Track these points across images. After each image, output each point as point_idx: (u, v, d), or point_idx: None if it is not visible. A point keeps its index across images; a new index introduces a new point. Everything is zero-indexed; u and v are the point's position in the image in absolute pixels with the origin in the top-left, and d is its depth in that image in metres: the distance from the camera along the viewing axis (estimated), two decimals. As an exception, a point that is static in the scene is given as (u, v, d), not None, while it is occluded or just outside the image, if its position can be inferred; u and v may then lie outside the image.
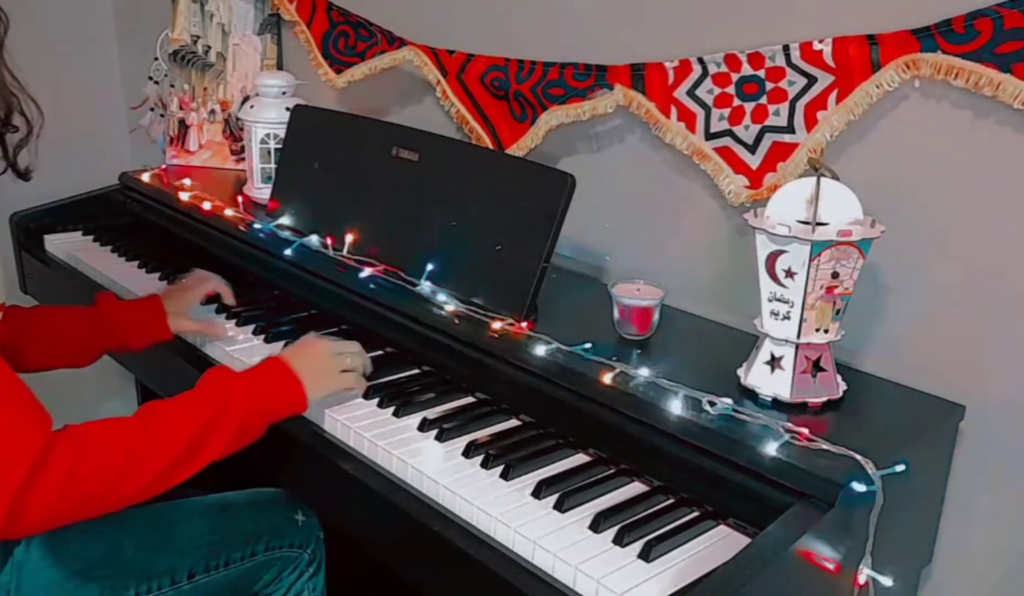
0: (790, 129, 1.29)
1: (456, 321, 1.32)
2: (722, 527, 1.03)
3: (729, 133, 1.35)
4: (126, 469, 1.01)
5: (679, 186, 1.45)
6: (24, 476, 0.93)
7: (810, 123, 1.27)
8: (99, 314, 1.43)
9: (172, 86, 2.28)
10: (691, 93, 1.38)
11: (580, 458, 1.16)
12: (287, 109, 1.76)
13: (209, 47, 2.23)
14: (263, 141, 1.83)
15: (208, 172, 2.18)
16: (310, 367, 1.19)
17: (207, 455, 1.08)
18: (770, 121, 1.31)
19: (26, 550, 1.16)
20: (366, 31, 1.83)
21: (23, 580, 1.15)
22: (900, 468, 0.97)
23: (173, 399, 1.09)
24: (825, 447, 0.99)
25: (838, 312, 1.09)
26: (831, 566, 0.95)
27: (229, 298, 1.54)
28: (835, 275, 1.06)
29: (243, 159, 2.01)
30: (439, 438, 1.18)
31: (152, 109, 2.36)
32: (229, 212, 1.76)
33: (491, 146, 1.63)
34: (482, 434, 1.20)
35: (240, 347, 1.44)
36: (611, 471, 1.13)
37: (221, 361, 1.42)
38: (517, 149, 1.59)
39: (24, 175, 1.22)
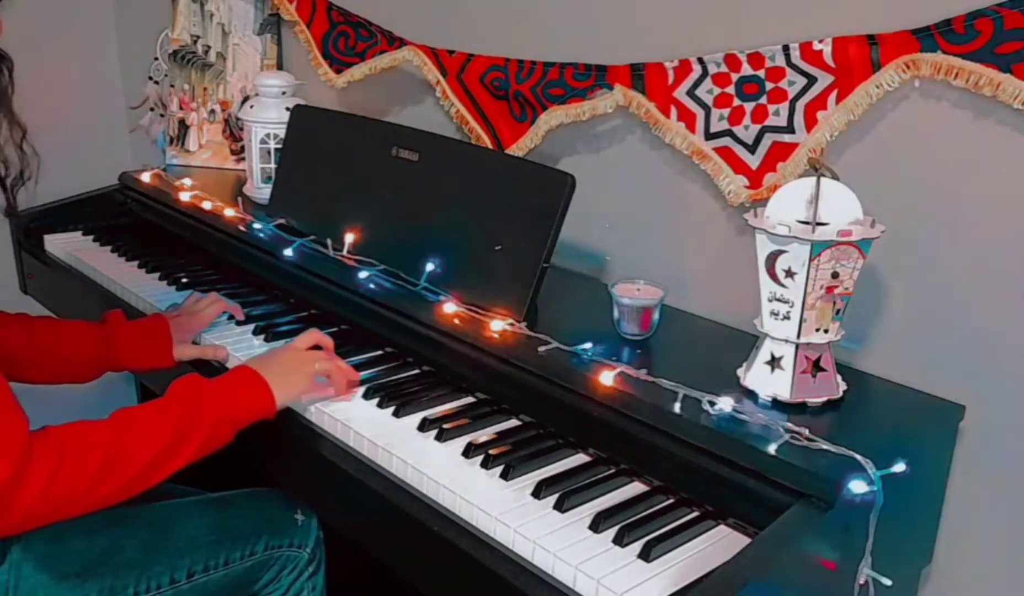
0: (790, 129, 1.29)
1: (456, 321, 1.31)
2: (722, 527, 1.03)
3: (729, 133, 1.35)
4: (103, 472, 1.04)
5: (679, 186, 1.45)
6: (7, 478, 0.96)
7: (810, 123, 1.27)
8: (106, 333, 1.41)
9: (172, 86, 2.28)
10: (691, 93, 1.38)
11: (580, 458, 1.16)
12: (287, 109, 1.76)
13: (209, 47, 2.23)
14: (263, 141, 1.83)
15: (208, 172, 2.18)
16: (278, 373, 1.21)
17: (179, 460, 1.11)
18: (770, 121, 1.31)
19: (25, 549, 1.16)
20: (366, 31, 1.83)
21: (22, 579, 1.15)
22: (900, 468, 0.97)
23: (145, 405, 1.12)
24: (825, 447, 0.99)
25: (838, 312, 1.09)
26: (831, 566, 0.95)
27: (239, 313, 1.52)
28: (835, 275, 1.06)
29: (243, 159, 2.01)
30: (439, 438, 1.18)
31: (152, 109, 2.36)
32: (229, 212, 1.76)
33: (491, 146, 1.63)
34: (482, 434, 1.20)
35: (241, 347, 1.44)
36: (611, 471, 1.13)
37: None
38: (517, 149, 1.59)
39: (16, 214, 1.24)
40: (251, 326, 1.50)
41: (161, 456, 1.08)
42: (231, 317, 1.53)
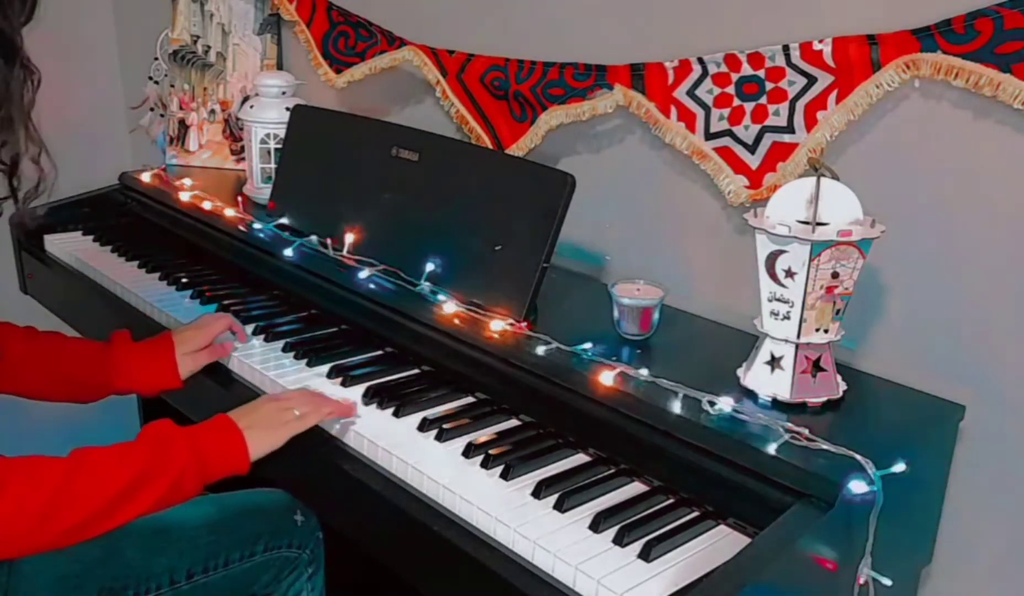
0: (790, 129, 1.29)
1: (456, 321, 1.31)
2: (722, 527, 1.03)
3: (729, 133, 1.35)
4: (49, 512, 0.99)
5: (679, 186, 1.45)
6: None
7: (810, 123, 1.27)
8: (110, 355, 1.38)
9: (172, 86, 2.28)
10: (691, 93, 1.38)
11: (580, 458, 1.16)
12: (287, 109, 1.76)
13: (209, 47, 2.23)
14: (263, 141, 1.83)
15: (208, 172, 2.18)
16: (255, 423, 1.15)
17: (135, 508, 1.05)
18: (770, 121, 1.31)
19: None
20: (366, 31, 1.83)
21: (20, 581, 1.15)
22: (900, 468, 0.97)
23: (108, 447, 1.07)
24: (825, 447, 0.99)
25: (838, 312, 1.09)
26: (831, 566, 0.95)
27: (242, 337, 1.45)
28: (835, 275, 1.06)
29: (243, 159, 2.01)
30: (439, 438, 1.18)
31: (152, 109, 2.36)
32: (229, 212, 1.76)
33: (491, 146, 1.63)
34: (482, 434, 1.20)
35: (240, 348, 1.43)
36: (611, 471, 1.13)
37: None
38: (517, 149, 1.59)
39: (22, 222, 1.22)
40: (251, 326, 1.50)
41: (116, 501, 1.03)
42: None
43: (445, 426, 1.19)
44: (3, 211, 1.18)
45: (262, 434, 1.15)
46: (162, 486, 1.06)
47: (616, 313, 1.29)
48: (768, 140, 1.31)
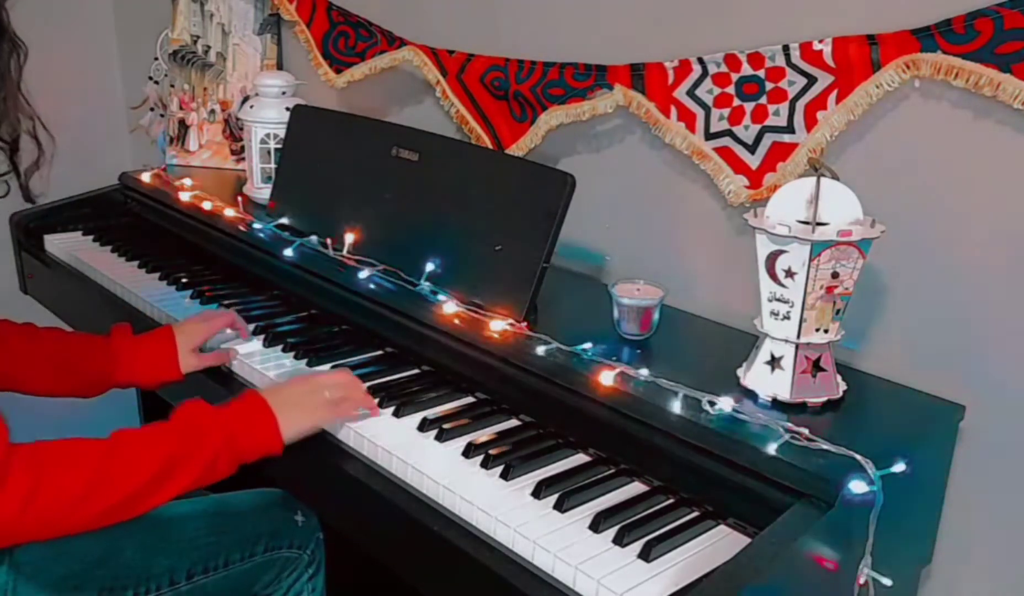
0: (790, 129, 1.29)
1: (456, 321, 1.32)
2: (722, 527, 1.03)
3: (729, 133, 1.35)
4: (87, 493, 1.00)
5: (679, 186, 1.45)
6: None
7: (810, 123, 1.27)
8: (111, 348, 1.38)
9: (172, 86, 2.28)
10: (691, 93, 1.38)
11: (580, 458, 1.16)
12: (287, 109, 1.76)
13: (209, 47, 2.23)
14: (263, 141, 1.83)
15: (208, 172, 2.18)
16: (288, 403, 1.15)
17: (172, 488, 1.06)
18: (770, 121, 1.31)
19: (24, 550, 1.16)
20: (366, 31, 1.83)
21: (20, 581, 1.15)
22: (900, 468, 0.97)
23: (144, 428, 1.08)
24: (825, 447, 0.99)
25: (838, 312, 1.09)
26: (831, 566, 0.95)
27: (244, 334, 1.46)
28: (835, 275, 1.06)
29: (243, 159, 2.01)
30: (439, 438, 1.18)
31: (152, 109, 2.36)
32: (229, 212, 1.77)
33: (491, 146, 1.63)
34: (482, 434, 1.20)
35: (243, 348, 1.43)
36: (611, 471, 1.13)
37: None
38: (517, 149, 1.59)
39: (32, 199, 1.23)
40: (251, 326, 1.50)
41: (152, 483, 1.04)
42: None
43: (445, 426, 1.19)
44: (10, 189, 1.19)
45: (296, 415, 1.15)
46: (195, 470, 1.07)
47: (616, 313, 1.29)
48: (768, 140, 1.31)
